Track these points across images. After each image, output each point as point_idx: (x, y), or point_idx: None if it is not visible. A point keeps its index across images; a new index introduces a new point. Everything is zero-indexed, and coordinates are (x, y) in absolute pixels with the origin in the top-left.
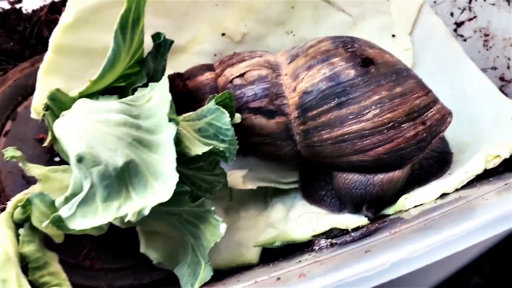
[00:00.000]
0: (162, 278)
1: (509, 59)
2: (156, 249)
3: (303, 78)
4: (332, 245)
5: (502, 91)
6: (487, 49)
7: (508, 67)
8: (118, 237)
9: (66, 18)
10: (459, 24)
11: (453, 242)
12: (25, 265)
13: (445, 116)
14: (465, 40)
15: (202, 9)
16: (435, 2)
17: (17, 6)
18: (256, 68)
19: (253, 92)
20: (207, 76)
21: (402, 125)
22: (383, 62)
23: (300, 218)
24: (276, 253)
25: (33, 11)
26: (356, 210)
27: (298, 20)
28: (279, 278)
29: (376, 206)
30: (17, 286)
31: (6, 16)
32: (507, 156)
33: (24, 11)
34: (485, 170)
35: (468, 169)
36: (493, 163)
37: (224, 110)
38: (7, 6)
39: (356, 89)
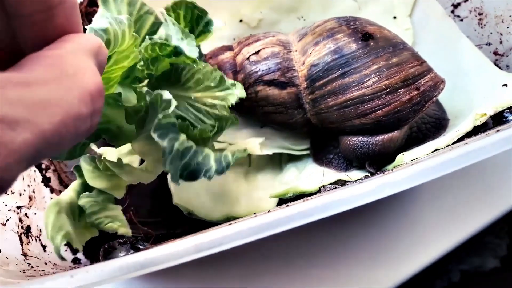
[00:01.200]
0: (191, 228)
1: (501, 34)
2: (185, 201)
3: (311, 53)
4: (335, 188)
5: (497, 64)
6: (481, 27)
7: (501, 42)
8: (153, 194)
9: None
10: (456, 6)
11: (429, 170)
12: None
13: (437, 83)
14: (462, 20)
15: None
16: None
17: None
18: (270, 46)
19: (267, 67)
20: (227, 55)
21: (398, 91)
22: (382, 37)
23: (310, 176)
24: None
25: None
26: (360, 167)
27: (308, 6)
28: (287, 205)
29: (378, 163)
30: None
31: None
32: (492, 113)
33: None
34: (474, 128)
35: (459, 128)
36: (479, 121)
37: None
38: None
39: (357, 60)
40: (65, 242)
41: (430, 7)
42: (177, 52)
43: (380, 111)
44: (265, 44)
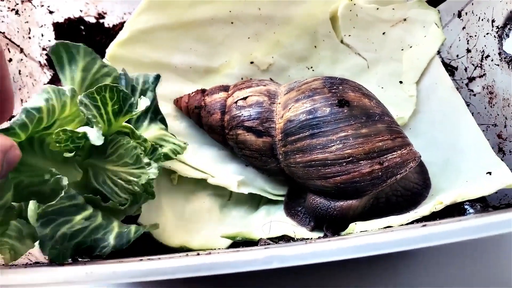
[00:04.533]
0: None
1: (506, 118)
2: (150, 222)
3: (289, 108)
4: (269, 244)
5: (501, 148)
6: (491, 106)
7: (505, 126)
8: None
9: (122, 34)
10: (471, 79)
11: (322, 252)
12: None
13: (407, 161)
14: (474, 95)
15: (236, 40)
16: (457, 56)
17: (101, 21)
18: (257, 94)
19: (248, 114)
20: (221, 95)
21: (360, 162)
22: (358, 105)
23: (275, 223)
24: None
25: (113, 25)
26: (318, 227)
27: (318, 58)
28: (210, 252)
29: (335, 227)
30: None
31: (90, 28)
32: (448, 203)
33: (105, 25)
34: (433, 213)
35: (418, 211)
36: (435, 208)
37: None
38: (93, 20)
39: (327, 124)
40: None
41: (439, 78)
42: (86, 137)
43: (339, 177)
44: (253, 91)
